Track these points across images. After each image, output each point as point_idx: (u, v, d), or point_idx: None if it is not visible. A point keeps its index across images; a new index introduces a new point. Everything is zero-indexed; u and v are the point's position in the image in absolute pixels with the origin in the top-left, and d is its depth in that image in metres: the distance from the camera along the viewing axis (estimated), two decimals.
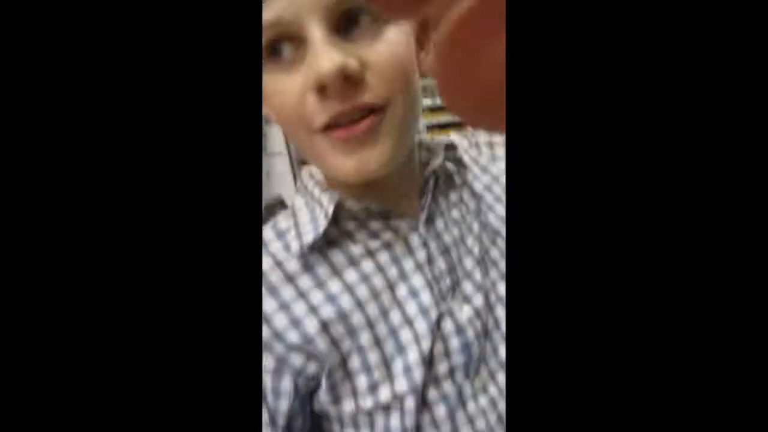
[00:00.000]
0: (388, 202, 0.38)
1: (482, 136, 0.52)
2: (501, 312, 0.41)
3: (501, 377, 0.39)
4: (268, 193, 2.03)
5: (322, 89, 0.29)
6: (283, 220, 0.41)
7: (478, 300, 0.40)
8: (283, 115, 0.33)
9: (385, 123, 0.32)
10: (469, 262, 0.41)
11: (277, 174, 2.12)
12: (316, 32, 0.29)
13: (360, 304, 0.37)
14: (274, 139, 2.05)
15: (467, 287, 0.40)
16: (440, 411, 0.38)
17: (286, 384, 0.37)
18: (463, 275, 0.40)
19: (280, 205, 2.13)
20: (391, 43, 0.31)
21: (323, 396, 0.38)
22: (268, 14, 0.29)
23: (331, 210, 0.36)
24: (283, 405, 0.37)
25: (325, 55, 0.28)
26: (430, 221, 0.40)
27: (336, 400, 0.38)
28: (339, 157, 0.32)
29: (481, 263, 0.41)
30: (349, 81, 0.29)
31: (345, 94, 0.30)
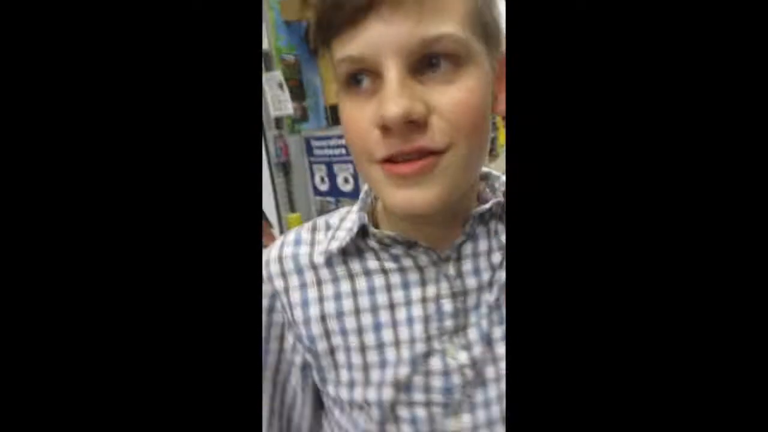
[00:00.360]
0: (425, 231, 0.40)
1: None
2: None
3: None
4: None
5: (385, 129, 0.31)
6: (336, 215, 0.46)
7: (478, 349, 0.40)
8: (351, 140, 0.35)
9: (441, 166, 0.33)
10: (485, 310, 0.41)
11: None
12: (392, 73, 0.31)
13: (358, 311, 0.41)
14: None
15: (472, 334, 0.40)
16: (407, 429, 0.39)
17: (290, 340, 0.44)
18: (475, 322, 0.40)
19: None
20: (464, 89, 0.32)
21: (314, 373, 0.44)
22: (353, 49, 0.31)
23: (355, 230, 0.41)
24: (272, 358, 0.44)
25: (393, 99, 0.30)
26: (456, 260, 0.41)
27: (322, 381, 0.43)
28: (390, 189, 0.34)
29: (495, 312, 0.41)
30: (412, 124, 0.31)
31: (407, 135, 0.31)
